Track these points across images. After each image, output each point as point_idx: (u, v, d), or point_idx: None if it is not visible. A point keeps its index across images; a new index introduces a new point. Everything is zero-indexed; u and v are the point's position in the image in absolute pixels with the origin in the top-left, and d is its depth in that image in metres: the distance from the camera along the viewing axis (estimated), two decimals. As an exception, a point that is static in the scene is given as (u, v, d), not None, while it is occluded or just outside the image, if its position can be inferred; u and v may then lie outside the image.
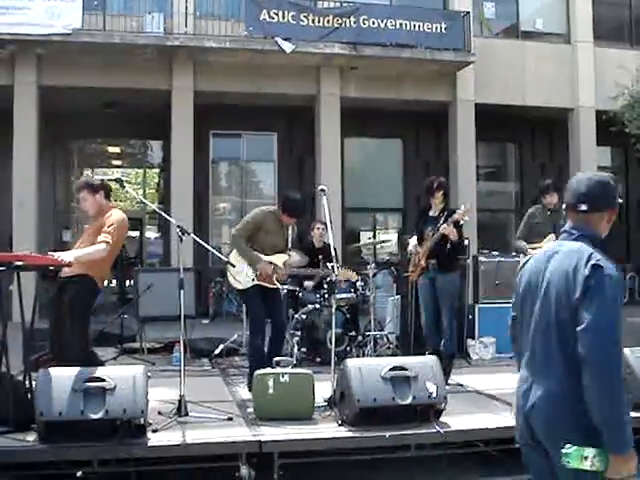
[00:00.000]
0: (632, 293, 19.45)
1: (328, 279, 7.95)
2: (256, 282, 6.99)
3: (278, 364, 5.94)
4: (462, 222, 7.26)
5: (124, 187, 6.48)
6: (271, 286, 7.10)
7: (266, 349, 7.04)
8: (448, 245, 7.29)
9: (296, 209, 7.17)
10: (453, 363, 7.54)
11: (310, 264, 9.16)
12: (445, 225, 7.16)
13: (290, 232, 7.27)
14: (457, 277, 7.59)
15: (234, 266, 6.83)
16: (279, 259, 7.15)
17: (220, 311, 16.14)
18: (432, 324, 7.55)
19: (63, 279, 6.06)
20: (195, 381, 7.25)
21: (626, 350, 6.10)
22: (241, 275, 6.99)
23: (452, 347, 7.53)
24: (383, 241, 17.67)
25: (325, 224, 9.10)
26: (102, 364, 6.19)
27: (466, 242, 9.54)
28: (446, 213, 7.39)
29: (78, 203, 6.39)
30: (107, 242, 5.93)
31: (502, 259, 10.10)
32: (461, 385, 7.40)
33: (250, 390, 6.62)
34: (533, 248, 7.46)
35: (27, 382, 5.51)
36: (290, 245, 7.28)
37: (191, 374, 7.58)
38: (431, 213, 7.57)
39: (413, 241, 7.78)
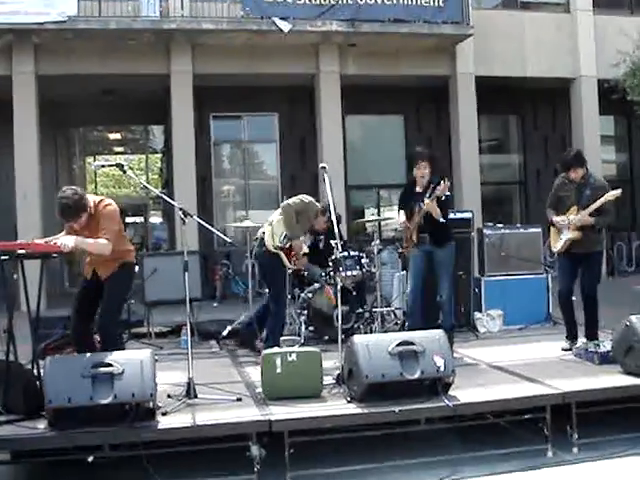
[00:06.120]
0: (639, 262, 19.43)
1: (333, 257, 7.93)
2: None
3: (285, 343, 5.94)
4: (443, 197, 7.13)
5: (125, 172, 6.42)
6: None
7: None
8: (436, 221, 7.23)
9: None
10: (453, 336, 7.49)
11: (313, 243, 9.23)
12: (427, 201, 7.10)
13: None
14: (453, 248, 7.52)
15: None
16: None
17: (227, 293, 16.19)
18: (417, 297, 7.46)
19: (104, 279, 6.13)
20: (203, 363, 7.29)
21: (634, 318, 6.08)
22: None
23: (450, 320, 7.50)
24: (387, 218, 17.55)
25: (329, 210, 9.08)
26: (124, 348, 6.30)
27: (469, 215, 9.55)
28: (431, 187, 7.31)
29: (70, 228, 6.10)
30: (108, 239, 5.85)
31: (507, 231, 10.08)
32: (464, 358, 7.40)
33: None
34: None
35: (35, 370, 5.54)
36: None
37: (199, 356, 7.62)
38: (417, 189, 7.49)
39: (401, 217, 7.71)
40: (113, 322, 6.17)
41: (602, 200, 7.23)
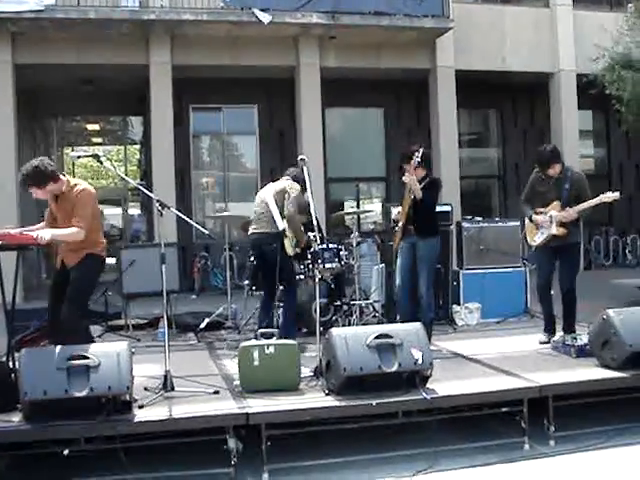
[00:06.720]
0: (616, 256, 19.56)
1: (312, 249, 7.91)
2: None
3: (263, 335, 5.91)
4: (416, 161, 6.94)
5: (102, 163, 6.37)
6: None
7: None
8: (422, 207, 7.20)
9: None
10: (432, 329, 7.49)
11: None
12: (407, 174, 7.06)
13: None
14: (437, 242, 7.50)
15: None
16: None
17: (206, 285, 16.14)
18: (405, 288, 7.45)
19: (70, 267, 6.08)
20: (181, 356, 7.26)
21: (610, 311, 6.11)
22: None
23: (430, 313, 7.44)
24: (366, 211, 17.58)
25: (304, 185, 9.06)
26: (93, 341, 6.18)
27: (448, 208, 9.56)
28: (427, 180, 7.30)
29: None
30: (81, 227, 5.86)
31: (485, 225, 10.11)
32: (442, 351, 7.41)
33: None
34: (537, 213, 7.52)
35: (11, 363, 5.49)
36: None
37: (177, 349, 7.61)
38: None
39: (397, 209, 7.70)
40: (75, 314, 5.96)
41: (596, 201, 7.28)
